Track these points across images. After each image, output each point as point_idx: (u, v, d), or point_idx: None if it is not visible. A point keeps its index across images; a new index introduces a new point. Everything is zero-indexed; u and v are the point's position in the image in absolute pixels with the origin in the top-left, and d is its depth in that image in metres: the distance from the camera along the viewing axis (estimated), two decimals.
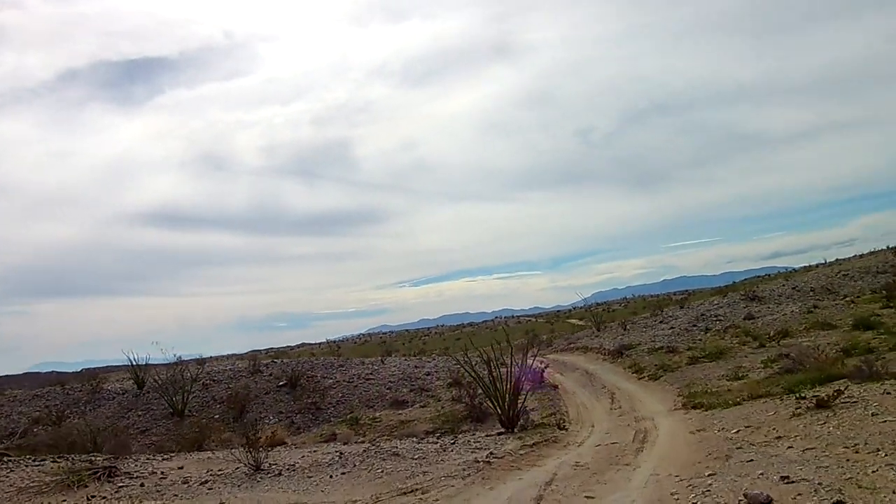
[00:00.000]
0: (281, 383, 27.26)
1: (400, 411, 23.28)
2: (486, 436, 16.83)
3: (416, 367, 28.90)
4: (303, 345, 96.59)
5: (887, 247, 35.51)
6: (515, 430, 16.92)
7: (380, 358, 33.57)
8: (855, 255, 40.43)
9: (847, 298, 30.26)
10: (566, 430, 16.73)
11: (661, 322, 32.23)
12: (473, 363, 19.04)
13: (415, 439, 16.92)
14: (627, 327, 33.99)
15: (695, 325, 29.24)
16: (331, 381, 27.22)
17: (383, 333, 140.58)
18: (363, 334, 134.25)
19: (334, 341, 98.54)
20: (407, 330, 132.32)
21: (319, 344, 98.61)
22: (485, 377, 17.63)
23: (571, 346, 35.79)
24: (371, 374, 28.08)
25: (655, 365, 23.14)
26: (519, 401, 17.17)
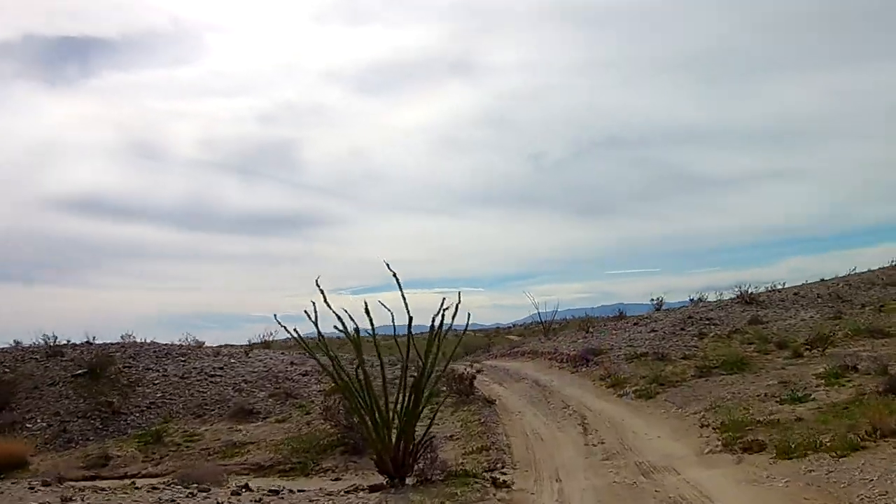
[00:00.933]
0: (78, 372, 17.91)
1: (240, 427, 14.49)
2: (350, 492, 8.42)
3: (292, 363, 19.97)
4: (226, 345, 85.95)
5: (891, 262, 30.52)
6: (407, 481, 8.48)
7: (244, 349, 24.30)
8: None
9: (869, 307, 23.62)
10: (508, 486, 8.42)
11: (634, 325, 24.38)
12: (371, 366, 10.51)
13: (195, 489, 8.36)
14: (591, 330, 26.03)
15: (682, 329, 21.58)
16: (155, 373, 18.07)
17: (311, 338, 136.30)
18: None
19: (257, 343, 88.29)
20: (338, 337, 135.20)
21: (241, 345, 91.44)
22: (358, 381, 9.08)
23: (515, 350, 27.72)
24: (221, 368, 19.06)
25: (644, 377, 15.14)
26: (417, 427, 8.82)
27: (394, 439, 8.80)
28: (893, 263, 29.24)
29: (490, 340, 75.44)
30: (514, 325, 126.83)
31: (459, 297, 9.29)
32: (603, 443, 10.66)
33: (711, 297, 27.86)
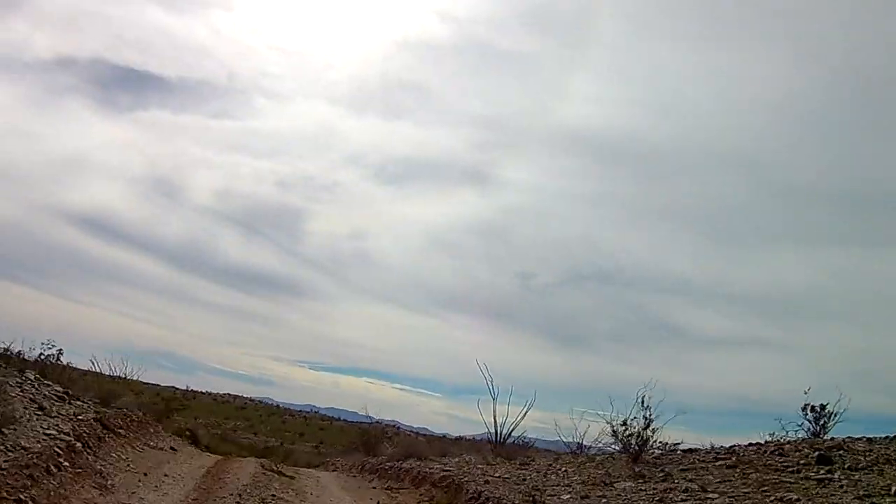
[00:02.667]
0: None
1: None
2: None
3: None
4: (170, 387, 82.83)
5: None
6: None
7: None
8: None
9: None
10: None
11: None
12: None
13: None
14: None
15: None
16: None
17: (259, 402, 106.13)
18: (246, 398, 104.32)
19: (190, 390, 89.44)
20: (278, 405, 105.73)
21: (175, 388, 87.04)
22: None
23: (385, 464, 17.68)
24: None
25: None
26: None
27: None
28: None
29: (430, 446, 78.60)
30: (461, 438, 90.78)
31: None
32: None
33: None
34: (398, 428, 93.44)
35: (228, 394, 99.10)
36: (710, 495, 9.38)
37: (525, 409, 20.73)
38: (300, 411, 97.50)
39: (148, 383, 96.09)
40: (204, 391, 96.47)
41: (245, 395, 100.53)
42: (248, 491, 11.09)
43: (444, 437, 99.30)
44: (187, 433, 23.08)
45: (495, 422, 21.14)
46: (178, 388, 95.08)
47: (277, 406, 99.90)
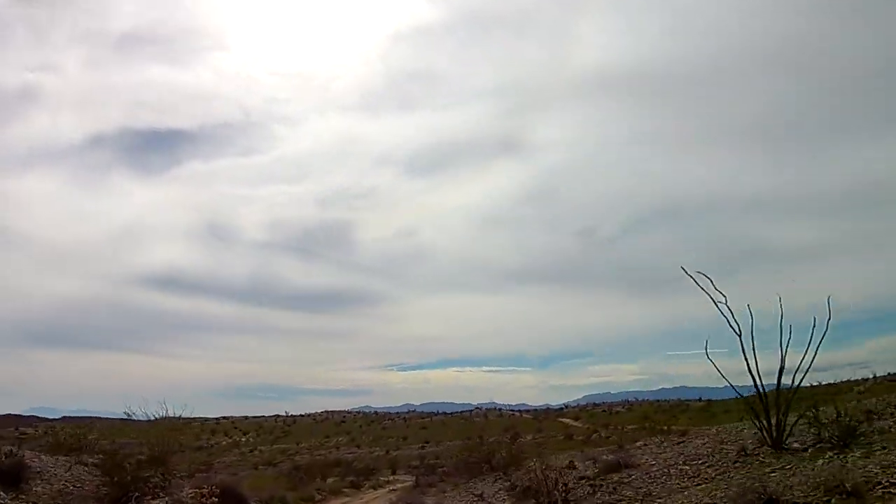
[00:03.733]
0: None
1: None
2: None
3: None
4: (277, 416, 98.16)
5: None
6: None
7: None
8: None
9: None
10: None
11: None
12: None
13: None
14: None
15: None
16: None
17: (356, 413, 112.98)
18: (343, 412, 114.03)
19: (290, 416, 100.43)
20: (376, 412, 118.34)
21: (276, 417, 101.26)
22: None
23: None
24: None
25: None
26: None
27: None
28: None
29: (539, 424, 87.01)
30: (566, 407, 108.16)
31: None
32: None
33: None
34: (499, 410, 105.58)
35: (326, 411, 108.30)
36: None
37: None
38: (398, 414, 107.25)
39: (257, 417, 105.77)
40: (303, 414, 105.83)
41: (343, 410, 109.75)
42: None
43: (548, 409, 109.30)
44: None
45: None
46: (279, 416, 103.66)
47: (376, 413, 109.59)
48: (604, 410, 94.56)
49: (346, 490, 32.14)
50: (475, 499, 16.33)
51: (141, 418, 24.27)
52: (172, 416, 24.57)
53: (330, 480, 36.03)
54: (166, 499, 13.92)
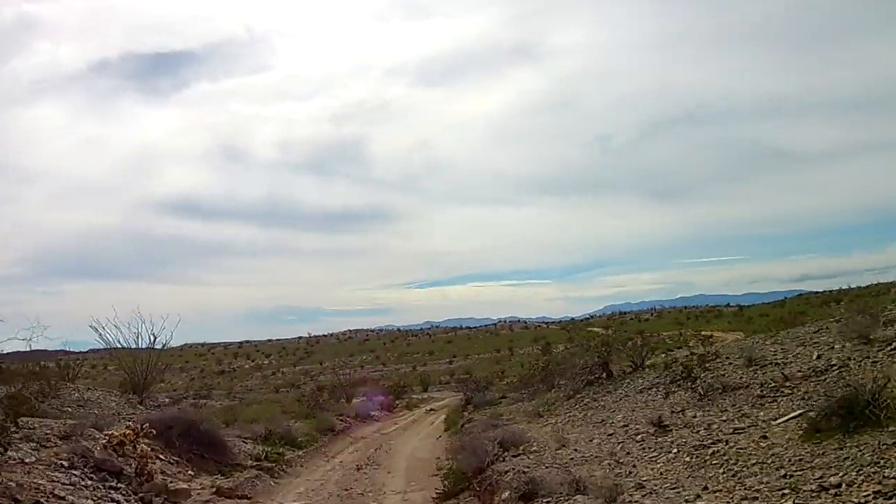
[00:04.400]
0: None
1: None
2: None
3: None
4: (300, 338, 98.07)
5: None
6: None
7: None
8: None
9: None
10: None
11: None
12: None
13: None
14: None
15: None
16: None
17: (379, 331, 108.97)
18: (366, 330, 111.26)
19: (312, 336, 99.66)
20: (399, 329, 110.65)
21: (299, 338, 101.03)
22: None
23: None
24: None
25: None
26: None
27: None
28: None
29: (569, 335, 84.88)
30: (591, 317, 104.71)
31: None
32: None
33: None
34: (524, 322, 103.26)
35: (349, 330, 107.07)
36: None
37: None
38: (421, 330, 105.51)
39: (278, 340, 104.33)
40: (326, 334, 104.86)
41: (365, 328, 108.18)
42: None
43: (573, 320, 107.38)
44: None
45: None
46: (302, 338, 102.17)
47: (399, 330, 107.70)
48: (631, 318, 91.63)
49: (374, 414, 27.76)
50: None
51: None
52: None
53: (355, 401, 32.57)
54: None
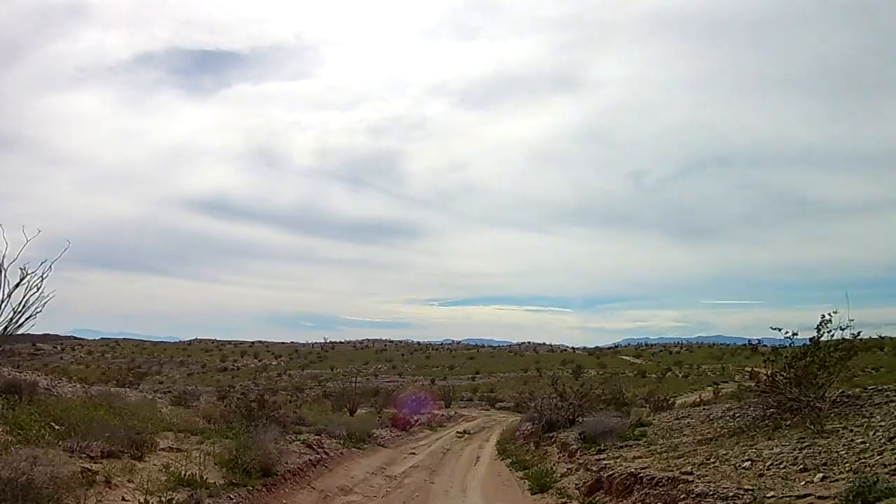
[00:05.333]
0: None
1: None
2: None
3: None
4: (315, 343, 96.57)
5: None
6: None
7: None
8: None
9: None
10: None
11: None
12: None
13: None
14: None
15: None
16: None
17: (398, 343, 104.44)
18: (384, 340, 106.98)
19: (328, 342, 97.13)
20: (418, 343, 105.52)
21: (313, 343, 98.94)
22: None
23: None
24: None
25: None
26: None
27: None
28: None
29: (600, 361, 79.73)
30: (616, 346, 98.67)
31: None
32: None
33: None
34: (550, 346, 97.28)
35: (367, 339, 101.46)
36: None
37: None
38: (442, 344, 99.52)
39: (293, 343, 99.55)
40: (342, 341, 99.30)
41: (385, 339, 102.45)
42: None
43: (599, 348, 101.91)
44: None
45: None
46: (317, 343, 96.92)
47: (419, 343, 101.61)
48: (661, 350, 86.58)
49: (379, 434, 19.87)
50: None
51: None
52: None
53: (361, 412, 26.08)
54: None
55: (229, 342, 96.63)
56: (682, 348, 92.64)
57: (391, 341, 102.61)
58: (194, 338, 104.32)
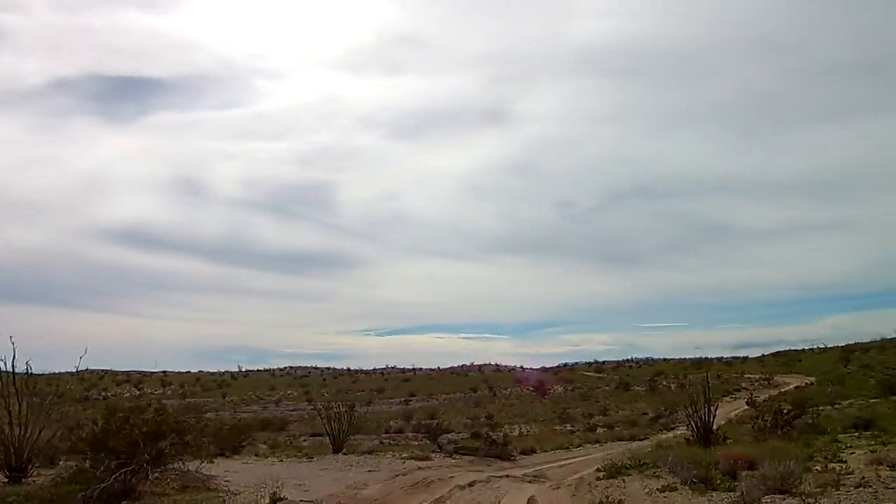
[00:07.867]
0: None
1: None
2: None
3: None
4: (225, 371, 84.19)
5: None
6: None
7: None
8: None
9: None
10: None
11: None
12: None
13: None
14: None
15: None
16: None
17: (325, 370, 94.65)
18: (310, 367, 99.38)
19: (242, 371, 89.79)
20: (348, 369, 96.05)
21: (223, 372, 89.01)
22: None
23: None
24: None
25: None
26: None
27: None
28: None
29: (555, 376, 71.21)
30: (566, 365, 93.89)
31: None
32: None
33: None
34: (496, 365, 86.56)
35: (290, 367, 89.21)
36: None
37: None
38: (374, 370, 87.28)
39: (207, 372, 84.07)
40: (261, 369, 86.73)
41: (311, 366, 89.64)
42: None
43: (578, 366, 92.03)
44: None
45: None
46: (228, 371, 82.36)
47: (348, 369, 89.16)
48: (631, 365, 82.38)
49: None
50: None
51: None
52: None
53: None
54: None
55: (107, 371, 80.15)
56: (638, 364, 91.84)
57: (316, 368, 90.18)
58: (86, 367, 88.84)
